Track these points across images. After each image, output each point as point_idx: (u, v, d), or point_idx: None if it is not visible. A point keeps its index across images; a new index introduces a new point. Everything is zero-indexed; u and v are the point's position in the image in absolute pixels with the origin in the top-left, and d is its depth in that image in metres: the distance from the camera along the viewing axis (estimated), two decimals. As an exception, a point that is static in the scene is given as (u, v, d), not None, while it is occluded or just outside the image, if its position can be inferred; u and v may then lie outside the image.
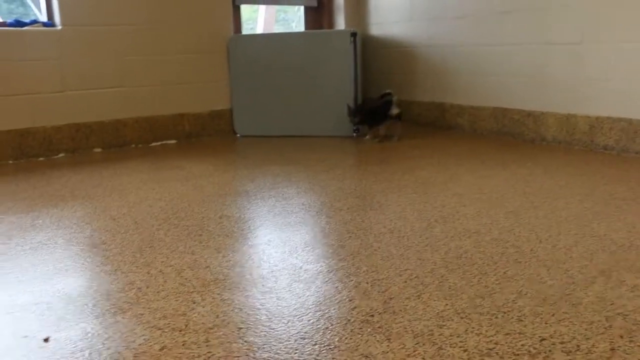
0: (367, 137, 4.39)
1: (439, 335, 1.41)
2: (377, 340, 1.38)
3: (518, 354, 1.32)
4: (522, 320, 1.48)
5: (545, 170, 3.33)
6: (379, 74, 5.62)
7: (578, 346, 1.36)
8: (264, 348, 1.36)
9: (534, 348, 1.34)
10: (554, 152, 3.89)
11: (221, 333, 1.45)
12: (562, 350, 1.33)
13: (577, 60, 3.96)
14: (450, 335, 1.40)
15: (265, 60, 4.72)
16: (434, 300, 1.60)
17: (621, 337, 1.40)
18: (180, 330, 1.46)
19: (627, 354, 1.33)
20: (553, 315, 1.51)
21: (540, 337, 1.40)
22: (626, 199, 2.68)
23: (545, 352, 1.32)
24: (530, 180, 3.07)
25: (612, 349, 1.35)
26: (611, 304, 1.58)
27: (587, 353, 1.32)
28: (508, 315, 1.51)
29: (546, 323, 1.47)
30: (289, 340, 1.39)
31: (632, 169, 3.36)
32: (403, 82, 5.33)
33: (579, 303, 1.59)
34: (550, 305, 1.57)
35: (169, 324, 1.50)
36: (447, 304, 1.57)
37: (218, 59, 4.78)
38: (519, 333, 1.41)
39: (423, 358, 1.31)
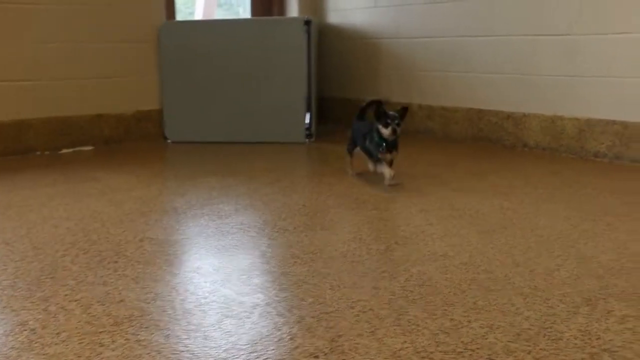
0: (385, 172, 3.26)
1: (394, 379, 1.39)
2: (321, 387, 1.36)
3: (486, 400, 1.31)
4: (492, 359, 1.48)
5: (527, 182, 3.38)
6: (337, 70, 5.64)
7: (556, 389, 1.36)
8: (182, 400, 1.32)
9: (505, 392, 1.34)
10: (537, 160, 3.97)
11: (132, 382, 1.40)
12: (537, 395, 1.34)
13: (566, 54, 4.05)
14: (407, 379, 1.39)
15: (203, 52, 4.68)
16: (390, 337, 1.59)
17: (605, 377, 1.42)
18: (80, 380, 1.41)
19: (611, 396, 1.34)
20: (529, 352, 1.52)
21: (512, 379, 1.40)
22: (619, 214, 2.74)
23: (517, 397, 1.33)
24: (509, 194, 3.11)
25: (595, 392, 1.36)
26: (597, 339, 1.60)
27: (565, 397, 1.33)
28: (476, 353, 1.51)
29: (520, 362, 1.47)
30: (214, 390, 1.36)
31: (627, 180, 3.45)
32: (365, 80, 5.37)
33: (559, 338, 1.60)
34: (526, 340, 1.58)
35: (67, 372, 1.45)
36: (405, 342, 1.56)
37: (146, 49, 4.72)
38: (489, 375, 1.41)
39: (374, 407, 1.29)
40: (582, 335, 1.62)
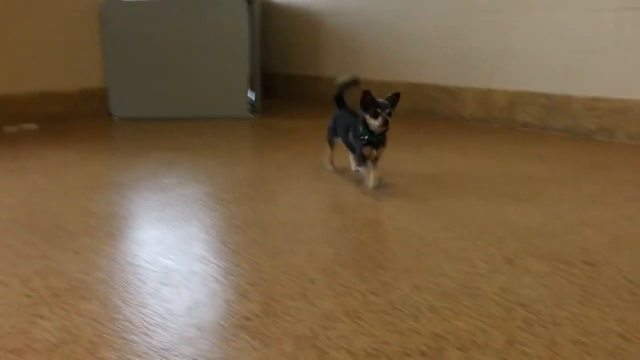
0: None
1: (324, 338, 1.42)
2: (252, 347, 1.37)
3: (409, 354, 1.35)
4: (416, 317, 1.51)
5: (460, 152, 3.44)
6: (281, 47, 5.61)
7: (474, 341, 1.40)
8: (117, 365, 1.32)
9: (427, 346, 1.38)
10: (471, 131, 4.04)
11: (69, 350, 1.39)
12: (456, 347, 1.38)
13: (497, 30, 4.11)
14: (336, 338, 1.41)
15: (146, 29, 4.58)
16: (322, 300, 1.61)
17: (520, 328, 1.47)
18: (16, 352, 1.39)
19: (524, 345, 1.39)
20: (451, 309, 1.56)
21: (434, 333, 1.43)
22: (544, 180, 2.82)
23: (438, 350, 1.36)
24: (443, 163, 3.16)
25: (510, 342, 1.40)
26: (514, 295, 1.65)
27: (482, 348, 1.37)
28: (402, 312, 1.54)
29: (442, 318, 1.51)
30: (148, 354, 1.36)
31: (551, 148, 3.54)
32: (308, 55, 5.35)
33: (479, 295, 1.65)
34: (449, 299, 1.62)
35: (2, 346, 1.43)
36: (336, 303, 1.59)
37: (89, 27, 4.60)
38: (412, 331, 1.45)
39: (304, 365, 1.31)
40: (501, 291, 1.67)
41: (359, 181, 2.81)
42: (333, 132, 2.93)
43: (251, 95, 4.71)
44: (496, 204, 2.46)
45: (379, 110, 2.48)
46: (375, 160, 2.64)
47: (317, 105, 4.99)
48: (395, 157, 3.29)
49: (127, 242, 2.10)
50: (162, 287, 1.71)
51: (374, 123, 2.51)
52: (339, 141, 2.91)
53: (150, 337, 1.43)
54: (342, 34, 5.06)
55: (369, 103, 2.51)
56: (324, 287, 1.70)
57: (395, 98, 2.56)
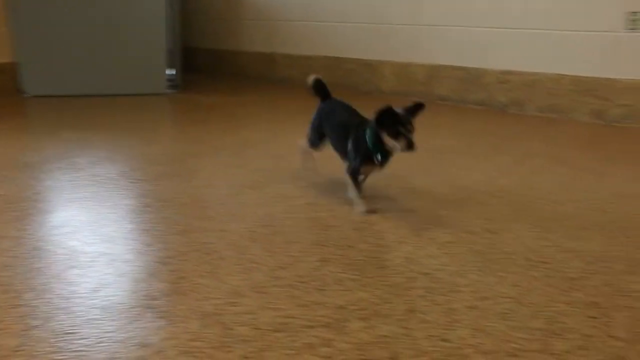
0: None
1: (230, 314, 1.43)
2: (158, 327, 1.38)
3: (312, 326, 1.38)
4: (322, 290, 1.55)
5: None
6: (203, 21, 5.52)
7: (376, 311, 1.45)
8: (18, 351, 1.30)
9: (331, 318, 1.42)
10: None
11: (-33, 337, 1.36)
12: (358, 317, 1.42)
13: (414, 5, 4.17)
14: (242, 313, 1.44)
15: (58, 2, 4.41)
16: (230, 276, 1.63)
17: (421, 297, 1.53)
18: None
19: (424, 313, 1.45)
20: (356, 280, 1.60)
21: (338, 305, 1.48)
22: (457, 152, 2.90)
23: (341, 321, 1.40)
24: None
25: (410, 310, 1.46)
26: (417, 264, 1.71)
27: (384, 317, 1.42)
28: (308, 285, 1.58)
29: (347, 290, 1.55)
30: (51, 339, 1.34)
31: (467, 121, 3.64)
32: (228, 30, 5.29)
33: (384, 266, 1.70)
34: (355, 270, 1.66)
35: None
36: (244, 279, 1.61)
37: (-6, 0, 4.40)
38: (317, 303, 1.48)
39: (209, 341, 1.33)
40: (406, 262, 1.73)
41: (274, 156, 2.82)
42: (318, 133, 2.35)
43: (171, 70, 4.63)
44: (408, 176, 2.52)
45: (401, 130, 1.96)
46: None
47: (239, 80, 4.95)
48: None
49: (34, 225, 2.05)
50: (67, 270, 1.68)
51: (395, 145, 1.99)
52: (324, 145, 2.38)
53: (54, 322, 1.41)
54: (263, 8, 5.02)
55: (389, 117, 1.97)
56: (233, 263, 1.71)
57: (416, 109, 2.03)
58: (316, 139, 2.38)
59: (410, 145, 1.96)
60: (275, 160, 2.77)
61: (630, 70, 3.43)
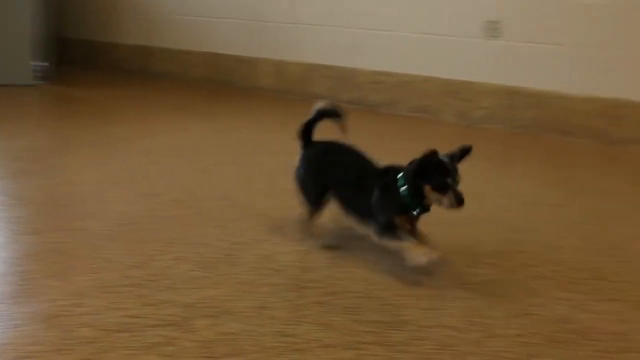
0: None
1: (75, 315, 1.41)
2: (-3, 331, 1.34)
3: (158, 325, 1.39)
4: (172, 288, 1.56)
5: (255, 122, 3.52)
6: (78, 11, 5.32)
7: (225, 308, 1.48)
8: None
9: (178, 316, 1.43)
10: (267, 102, 4.13)
11: None
12: (206, 315, 1.44)
13: (291, 3, 4.21)
14: (86, 314, 1.42)
15: None
16: (80, 276, 1.60)
17: (271, 293, 1.57)
18: None
19: (273, 309, 1.49)
20: (208, 278, 1.62)
21: (186, 303, 1.49)
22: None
23: (188, 319, 1.42)
24: (235, 134, 3.22)
25: (260, 307, 1.50)
26: (272, 261, 1.75)
27: (232, 314, 1.45)
28: (159, 284, 1.58)
29: (198, 288, 1.57)
30: None
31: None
32: (105, 21, 5.13)
33: (240, 263, 1.73)
34: (208, 268, 1.68)
35: None
36: (93, 279, 1.59)
37: None
38: (166, 302, 1.49)
39: (49, 344, 1.30)
40: (261, 259, 1.76)
41: (144, 151, 2.78)
42: (319, 187, 1.87)
43: (41, 61, 4.43)
44: (274, 175, 2.55)
45: (449, 182, 1.64)
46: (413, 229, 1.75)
47: (115, 73, 4.81)
48: (187, 126, 3.29)
49: None
50: None
51: (442, 200, 1.64)
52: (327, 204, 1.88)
53: None
54: (139, 0, 4.91)
55: (433, 168, 1.64)
56: (86, 263, 1.69)
57: (463, 155, 1.70)
58: (316, 197, 1.86)
59: (459, 202, 1.62)
60: (143, 157, 2.73)
61: (490, 75, 3.63)
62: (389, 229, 1.70)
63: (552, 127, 3.49)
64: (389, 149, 3.04)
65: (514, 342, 1.42)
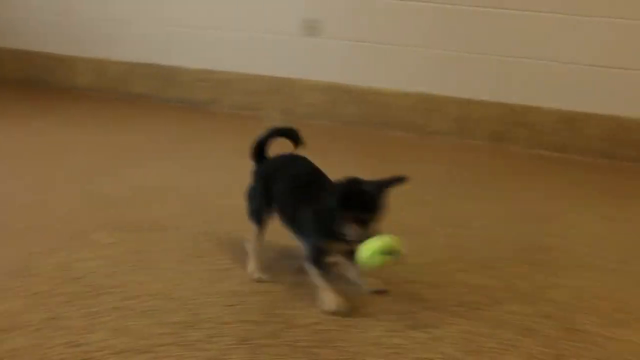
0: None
1: None
2: None
3: None
4: (-46, 306, 1.46)
5: (67, 124, 3.36)
6: None
7: (12, 323, 1.41)
8: None
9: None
10: (85, 102, 3.96)
11: None
12: (-11, 332, 1.36)
13: (108, 1, 4.07)
14: None
15: None
16: None
17: (65, 302, 1.52)
18: None
19: (65, 319, 1.44)
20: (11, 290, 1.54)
21: (-32, 321, 1.40)
22: (141, 150, 2.91)
23: (-32, 338, 1.34)
24: (45, 135, 3.05)
25: (51, 318, 1.44)
26: (69, 270, 1.69)
27: (20, 328, 1.39)
28: (-62, 303, 1.47)
29: (-17, 304, 1.48)
30: None
31: (162, 118, 3.67)
32: None
33: (32, 274, 1.65)
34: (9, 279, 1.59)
35: None
36: None
37: None
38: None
39: None
40: (56, 268, 1.70)
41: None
42: (264, 201, 1.77)
43: None
44: (82, 177, 2.46)
45: (367, 218, 1.51)
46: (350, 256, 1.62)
47: None
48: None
49: None
50: None
51: (351, 233, 1.53)
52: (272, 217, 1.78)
53: None
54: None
55: (353, 197, 1.51)
56: None
57: (393, 184, 1.56)
58: (260, 210, 1.76)
59: (363, 237, 1.49)
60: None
61: (311, 71, 3.74)
62: (315, 255, 1.62)
63: (372, 122, 3.66)
64: (205, 149, 3.04)
65: (312, 330, 1.48)
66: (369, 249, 1.46)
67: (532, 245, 2.07)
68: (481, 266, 1.89)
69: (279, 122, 1.90)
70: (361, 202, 1.50)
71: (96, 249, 1.83)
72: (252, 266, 1.74)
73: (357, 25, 3.64)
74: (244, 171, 2.66)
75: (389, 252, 1.46)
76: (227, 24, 3.85)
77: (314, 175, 1.72)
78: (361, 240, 1.49)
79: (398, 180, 1.55)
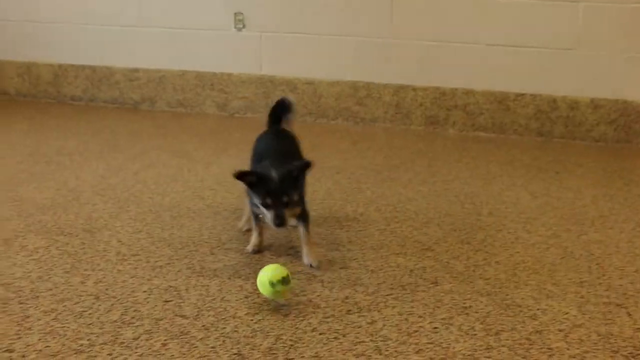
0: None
1: None
2: None
3: None
4: None
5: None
6: None
7: (-63, 333, 1.36)
8: None
9: None
10: (15, 108, 3.86)
11: None
12: None
13: (31, 1, 3.96)
14: None
15: None
16: None
17: (-6, 310, 1.47)
18: None
19: (-6, 327, 1.40)
20: None
21: None
22: (73, 153, 2.84)
23: None
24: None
25: (-21, 326, 1.40)
26: (1, 276, 1.64)
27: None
28: None
29: None
30: None
31: (96, 119, 3.60)
32: None
33: (-41, 282, 1.60)
34: None
35: None
36: None
37: None
38: None
39: None
40: (-15, 275, 1.65)
41: None
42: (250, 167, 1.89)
43: None
44: (12, 183, 2.40)
45: (269, 202, 1.66)
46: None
47: None
48: None
49: None
50: None
51: (266, 214, 1.69)
52: None
53: None
54: None
55: (260, 182, 1.68)
56: None
57: (303, 168, 1.72)
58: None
59: (276, 223, 1.66)
60: None
61: (243, 65, 3.72)
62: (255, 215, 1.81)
63: (307, 111, 3.67)
64: (138, 147, 2.99)
65: (247, 322, 1.48)
66: (261, 285, 1.53)
67: (467, 225, 2.12)
68: (418, 249, 1.92)
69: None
70: (267, 186, 1.66)
71: (28, 253, 1.79)
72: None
73: (283, 18, 3.65)
74: (177, 169, 2.66)
75: (280, 281, 1.51)
76: (158, 20, 3.81)
77: (282, 148, 1.91)
78: (273, 220, 1.65)
79: (304, 166, 1.71)
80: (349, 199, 2.34)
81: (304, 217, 1.80)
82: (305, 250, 1.79)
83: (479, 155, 3.00)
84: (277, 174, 1.66)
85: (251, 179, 1.68)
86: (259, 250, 1.85)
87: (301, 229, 1.80)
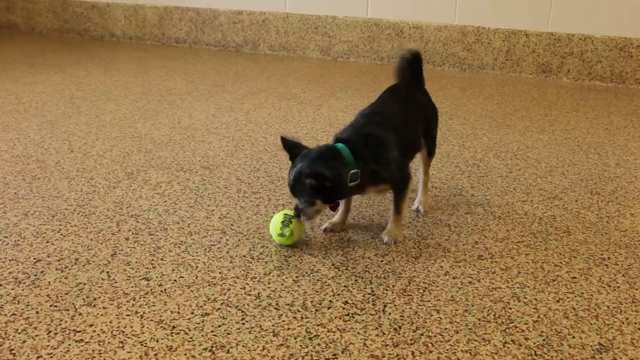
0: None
1: None
2: None
3: (2, 284, 1.28)
4: (18, 245, 1.45)
5: (106, 70, 3.33)
6: None
7: (77, 259, 1.39)
8: None
9: (24, 273, 1.33)
10: (122, 49, 3.92)
11: None
12: (56, 268, 1.35)
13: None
14: None
15: None
16: None
17: (127, 239, 1.49)
18: None
19: (128, 255, 1.42)
20: (58, 231, 1.52)
21: (35, 258, 1.39)
22: (182, 93, 2.87)
23: (36, 274, 1.32)
24: (84, 83, 3.03)
25: (114, 254, 1.42)
26: (127, 207, 1.67)
27: (85, 264, 1.37)
28: (4, 242, 1.46)
29: (47, 242, 1.47)
30: None
31: (199, 62, 3.61)
32: None
33: (92, 213, 1.63)
34: (59, 221, 1.57)
35: None
36: None
37: None
38: (11, 260, 1.38)
39: None
40: (115, 206, 1.67)
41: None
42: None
43: None
44: (130, 119, 2.44)
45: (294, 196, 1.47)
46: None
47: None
48: (31, 79, 3.07)
49: None
50: None
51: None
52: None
53: None
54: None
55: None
56: None
57: (307, 177, 1.40)
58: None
59: (296, 214, 1.47)
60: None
61: (349, 8, 3.63)
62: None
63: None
64: (245, 88, 2.99)
65: (379, 262, 1.44)
66: (274, 231, 1.49)
67: (594, 176, 2.00)
68: (544, 197, 1.82)
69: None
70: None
71: (151, 187, 1.81)
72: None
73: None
74: (287, 110, 2.63)
75: (280, 234, 1.47)
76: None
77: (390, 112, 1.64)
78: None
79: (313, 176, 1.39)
80: (466, 144, 2.25)
81: (397, 188, 1.53)
82: (388, 226, 1.57)
83: (598, 105, 2.83)
84: (292, 175, 1.42)
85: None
86: (332, 230, 1.58)
87: (393, 202, 1.56)
